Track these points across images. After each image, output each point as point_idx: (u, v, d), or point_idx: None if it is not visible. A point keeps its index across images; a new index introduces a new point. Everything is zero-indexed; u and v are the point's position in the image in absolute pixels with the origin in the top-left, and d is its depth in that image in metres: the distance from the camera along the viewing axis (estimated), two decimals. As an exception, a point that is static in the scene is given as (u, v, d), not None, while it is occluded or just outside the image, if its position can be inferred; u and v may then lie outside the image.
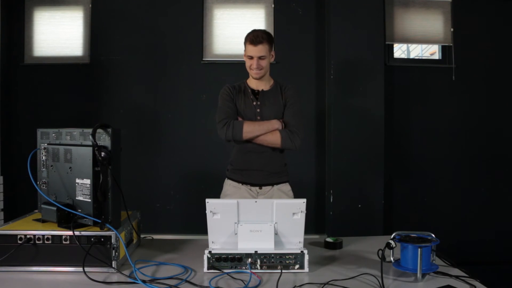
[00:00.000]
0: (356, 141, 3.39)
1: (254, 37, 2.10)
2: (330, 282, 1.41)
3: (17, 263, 1.50)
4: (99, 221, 1.52)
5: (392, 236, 1.53)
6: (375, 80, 3.41)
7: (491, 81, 3.72)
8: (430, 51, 4.67)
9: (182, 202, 3.62)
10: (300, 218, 1.56)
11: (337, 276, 1.47)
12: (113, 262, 1.50)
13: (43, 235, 1.51)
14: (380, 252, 1.51)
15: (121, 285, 1.41)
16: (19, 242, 1.50)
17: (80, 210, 1.56)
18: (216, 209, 1.56)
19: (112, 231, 1.51)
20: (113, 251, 1.50)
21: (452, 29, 3.69)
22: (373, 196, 3.40)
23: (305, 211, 1.55)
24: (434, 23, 3.71)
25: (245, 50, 2.17)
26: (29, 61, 3.63)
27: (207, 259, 1.54)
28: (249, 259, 1.54)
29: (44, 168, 1.71)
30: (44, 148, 1.70)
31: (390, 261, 1.54)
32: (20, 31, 3.61)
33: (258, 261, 1.54)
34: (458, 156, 3.71)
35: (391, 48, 3.71)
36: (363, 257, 1.73)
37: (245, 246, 1.55)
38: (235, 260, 1.54)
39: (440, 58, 3.79)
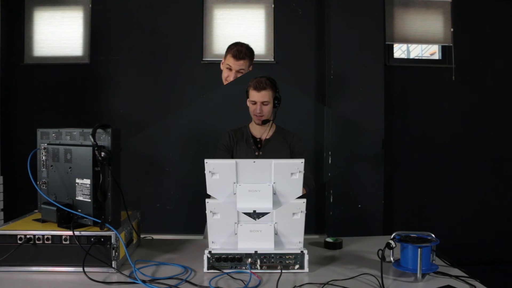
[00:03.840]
0: (356, 141, 3.39)
1: (257, 83, 2.07)
2: (330, 282, 1.41)
3: (17, 263, 1.50)
4: (99, 221, 1.51)
5: (392, 236, 1.53)
6: (375, 80, 3.41)
7: (491, 81, 3.73)
8: (430, 51, 4.66)
9: (182, 202, 3.62)
10: (300, 218, 1.56)
11: (337, 276, 1.47)
12: (113, 262, 1.50)
13: (43, 235, 1.51)
14: (380, 252, 1.51)
15: (121, 285, 1.41)
16: (19, 242, 1.50)
17: (80, 210, 1.56)
18: (216, 209, 1.56)
19: (112, 231, 1.51)
20: (113, 251, 1.50)
21: (452, 29, 3.69)
22: (373, 196, 3.40)
23: (305, 211, 1.55)
24: (434, 23, 3.71)
25: (248, 96, 2.14)
26: (29, 61, 3.63)
27: (207, 259, 1.54)
28: (249, 259, 1.54)
29: (44, 168, 1.71)
30: (44, 148, 1.69)
31: (390, 261, 1.53)
32: (20, 31, 3.62)
33: (258, 261, 1.54)
34: (458, 156, 3.71)
35: (391, 48, 3.71)
36: (363, 257, 1.73)
37: (245, 246, 1.55)
38: (235, 260, 1.54)
39: (440, 58, 3.79)
